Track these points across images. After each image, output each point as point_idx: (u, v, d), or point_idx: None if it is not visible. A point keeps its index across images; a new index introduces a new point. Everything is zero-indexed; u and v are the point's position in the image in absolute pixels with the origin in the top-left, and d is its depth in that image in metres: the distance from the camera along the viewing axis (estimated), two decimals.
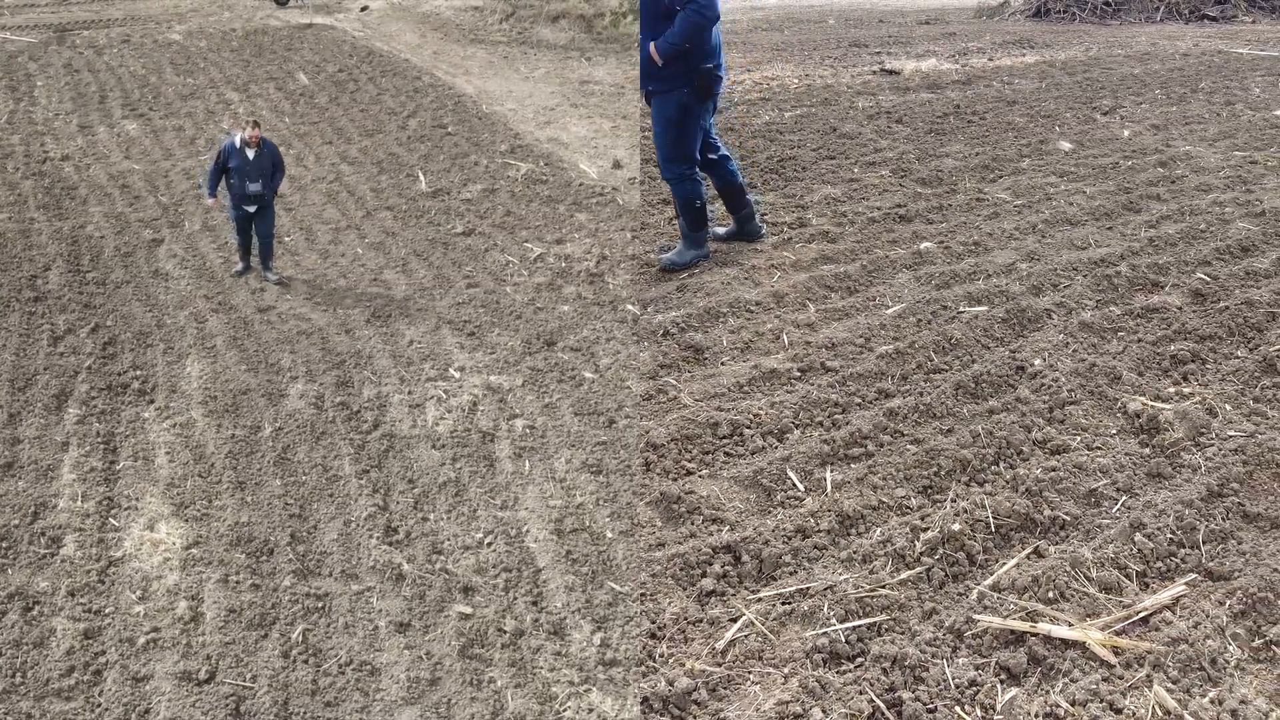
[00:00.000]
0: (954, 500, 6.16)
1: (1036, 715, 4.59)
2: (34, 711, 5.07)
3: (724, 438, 6.89)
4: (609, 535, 6.49)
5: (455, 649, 5.59)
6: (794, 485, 6.38)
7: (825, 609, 5.24)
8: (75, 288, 9.48)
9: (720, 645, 5.08)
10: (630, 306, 9.41)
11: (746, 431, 6.92)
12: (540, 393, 8.06)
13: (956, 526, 5.76)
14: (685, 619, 5.30)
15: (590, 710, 5.31)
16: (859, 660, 4.98)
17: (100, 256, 10.22)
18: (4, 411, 7.49)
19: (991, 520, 5.88)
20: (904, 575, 5.50)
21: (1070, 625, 5.08)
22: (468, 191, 12.27)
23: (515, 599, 5.97)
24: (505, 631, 5.74)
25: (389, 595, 5.94)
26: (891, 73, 20.69)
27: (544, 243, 10.85)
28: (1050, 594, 5.31)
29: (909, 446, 6.74)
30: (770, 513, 6.14)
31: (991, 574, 5.52)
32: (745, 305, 8.97)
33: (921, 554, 5.62)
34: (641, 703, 4.77)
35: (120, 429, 7.38)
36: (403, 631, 5.70)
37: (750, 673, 4.93)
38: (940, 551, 5.64)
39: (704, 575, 5.57)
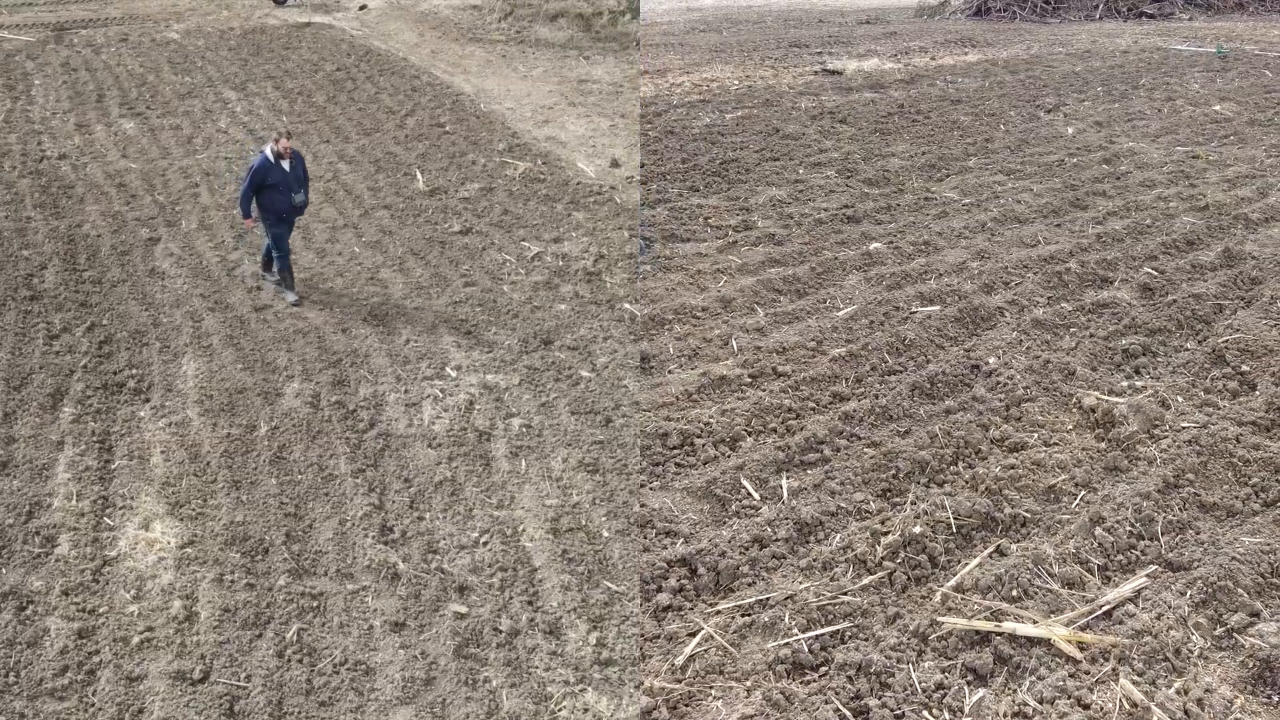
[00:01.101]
0: (914, 502, 6.14)
1: (1005, 715, 4.61)
2: (27, 711, 5.06)
3: (674, 448, 6.81)
4: (605, 534, 6.47)
5: (450, 648, 5.58)
6: (749, 494, 6.30)
7: (786, 619, 5.20)
8: (71, 286, 9.46)
9: (679, 661, 5.02)
10: (628, 305, 9.40)
11: (697, 441, 6.84)
12: (537, 391, 8.04)
13: (917, 529, 5.76)
14: (642, 635, 5.24)
15: (585, 710, 5.30)
16: (823, 669, 4.95)
17: (97, 255, 10.20)
18: None
19: (952, 521, 5.90)
20: (866, 581, 5.48)
21: (1035, 623, 5.11)
22: (465, 190, 12.26)
23: (511, 598, 5.96)
24: (501, 631, 5.72)
25: (384, 594, 5.93)
26: (834, 73, 20.70)
27: (541, 241, 10.83)
28: (1014, 592, 5.33)
29: (866, 450, 6.71)
30: (725, 523, 6.06)
31: (954, 575, 5.52)
32: (691, 311, 8.88)
33: (883, 558, 5.61)
34: None
35: (116, 428, 7.36)
36: (398, 631, 5.68)
37: (712, 688, 4.87)
38: (902, 555, 5.63)
39: (659, 590, 5.50)
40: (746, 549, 5.73)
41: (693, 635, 5.16)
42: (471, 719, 5.18)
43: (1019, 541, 5.79)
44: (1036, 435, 6.82)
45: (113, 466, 6.93)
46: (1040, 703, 4.64)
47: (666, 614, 5.34)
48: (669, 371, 7.85)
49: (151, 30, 20.47)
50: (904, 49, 23.86)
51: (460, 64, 18.70)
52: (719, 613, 5.31)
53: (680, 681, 4.90)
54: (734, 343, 8.28)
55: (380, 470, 6.99)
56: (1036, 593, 5.32)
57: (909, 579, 5.50)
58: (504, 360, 8.45)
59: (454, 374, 8.22)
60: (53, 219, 11.01)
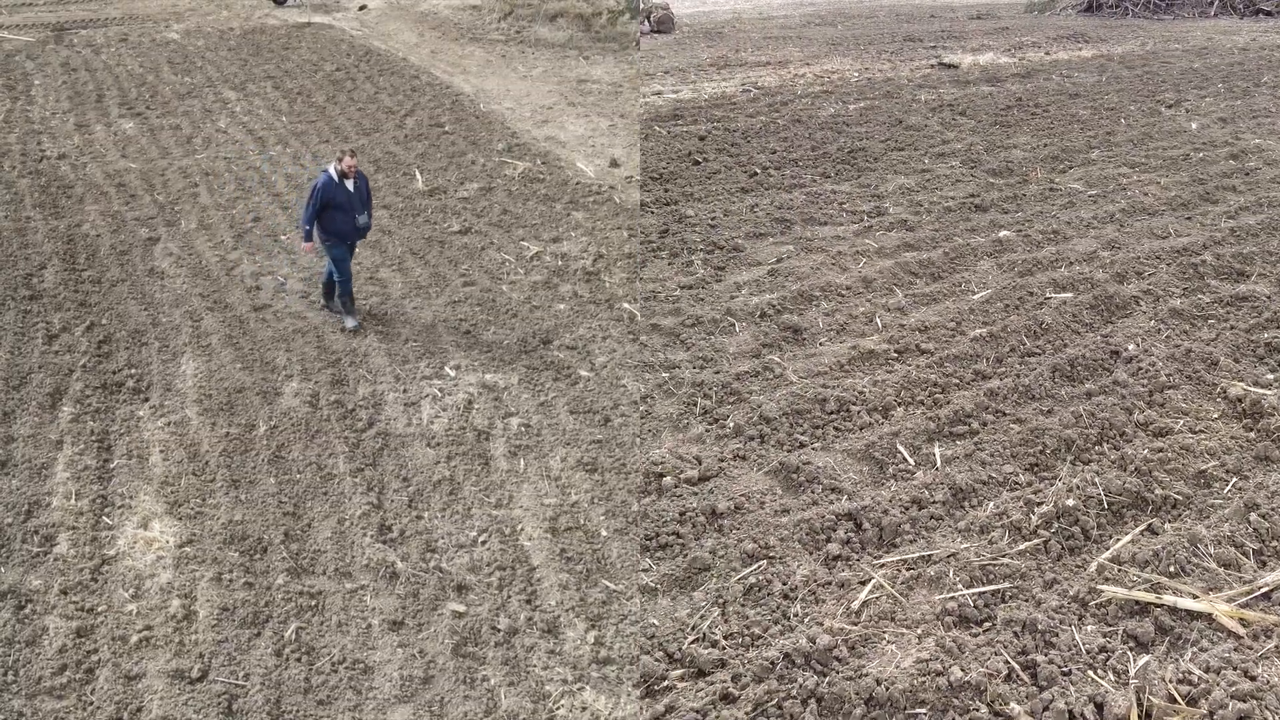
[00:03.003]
0: (1063, 478, 6.43)
1: (1170, 680, 4.80)
2: (26, 709, 5.06)
3: (832, 413, 7.27)
4: (603, 533, 6.48)
5: (448, 647, 5.59)
6: (905, 459, 6.74)
7: (950, 575, 5.56)
8: (71, 286, 9.47)
9: (854, 606, 5.38)
10: (627, 305, 9.41)
11: (853, 408, 7.30)
12: (536, 391, 8.05)
13: (1070, 502, 6.05)
14: (815, 581, 5.60)
15: (583, 708, 5.30)
16: (988, 624, 5.26)
17: (96, 255, 10.20)
18: None
19: (1103, 497, 6.15)
20: (1022, 546, 5.80)
21: (1195, 597, 5.30)
22: (465, 190, 12.26)
23: (509, 597, 5.96)
24: (499, 630, 5.73)
25: (382, 593, 5.93)
26: (949, 66, 20.95)
27: (541, 241, 10.84)
28: (1170, 568, 5.54)
29: (1012, 426, 7.07)
30: (884, 484, 6.48)
31: (1108, 548, 5.79)
32: (836, 289, 9.36)
33: (1037, 527, 5.92)
34: (783, 657, 5.01)
35: (114, 427, 7.36)
36: (396, 630, 5.69)
37: (885, 633, 5.23)
38: (1055, 525, 5.92)
39: (829, 540, 5.91)
40: (906, 508, 6.16)
41: (863, 584, 5.57)
42: (469, 717, 5.18)
43: (1171, 521, 6.03)
44: (1181, 422, 7.05)
45: (111, 466, 6.94)
46: (1206, 671, 4.84)
47: (835, 563, 5.78)
48: (820, 343, 8.36)
49: (151, 30, 20.48)
50: (1017, 43, 23.96)
51: (460, 64, 18.71)
52: (884, 565, 5.71)
53: (856, 625, 5.27)
54: (878, 320, 8.77)
55: (379, 469, 7.00)
56: (1193, 570, 5.56)
57: (1063, 548, 5.81)
58: (503, 359, 8.46)
59: (453, 373, 8.23)
60: (52, 219, 11.02)
